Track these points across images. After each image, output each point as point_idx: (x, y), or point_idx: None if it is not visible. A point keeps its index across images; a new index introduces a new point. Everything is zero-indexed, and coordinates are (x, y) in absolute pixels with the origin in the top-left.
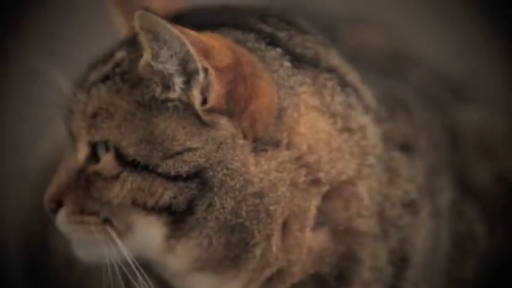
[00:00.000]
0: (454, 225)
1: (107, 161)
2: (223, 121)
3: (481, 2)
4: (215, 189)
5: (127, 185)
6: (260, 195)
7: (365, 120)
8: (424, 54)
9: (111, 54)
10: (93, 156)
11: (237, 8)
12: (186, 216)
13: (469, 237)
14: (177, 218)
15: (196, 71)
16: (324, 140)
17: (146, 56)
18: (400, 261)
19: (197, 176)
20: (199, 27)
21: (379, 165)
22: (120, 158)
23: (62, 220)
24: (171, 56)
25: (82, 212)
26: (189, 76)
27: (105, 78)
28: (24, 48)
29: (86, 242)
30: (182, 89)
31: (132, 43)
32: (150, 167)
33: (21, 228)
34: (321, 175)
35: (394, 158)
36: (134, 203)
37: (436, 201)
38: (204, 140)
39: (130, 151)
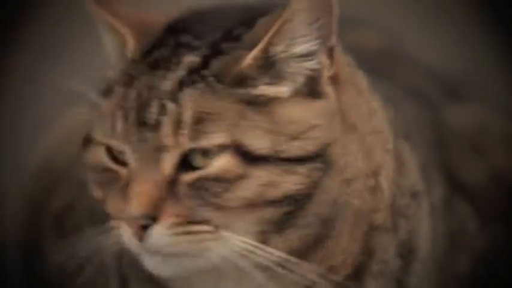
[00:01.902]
0: (447, 221)
1: (226, 162)
2: (332, 94)
3: (481, 2)
4: (332, 171)
5: (254, 182)
6: (348, 183)
7: (376, 104)
8: (422, 53)
9: (176, 61)
10: (184, 163)
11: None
12: (305, 203)
13: (462, 233)
14: (297, 205)
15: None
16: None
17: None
18: (407, 254)
19: (320, 155)
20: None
21: (393, 153)
22: (244, 156)
23: (161, 234)
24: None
25: (189, 222)
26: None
27: (193, 82)
28: (24, 49)
29: (183, 254)
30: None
31: (208, 45)
32: (276, 156)
33: (18, 235)
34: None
35: (399, 145)
36: (256, 200)
37: (430, 196)
38: (322, 115)
39: (255, 146)
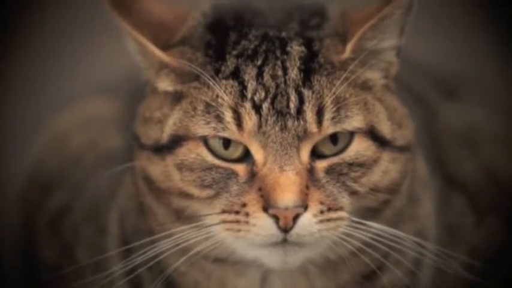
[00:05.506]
0: (444, 216)
1: (367, 146)
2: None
3: (481, 2)
4: (413, 162)
5: (381, 167)
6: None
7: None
8: (421, 53)
9: (282, 52)
10: (314, 151)
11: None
12: (396, 193)
13: (459, 227)
14: (392, 196)
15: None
16: None
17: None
18: (422, 239)
19: (410, 146)
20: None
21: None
22: (375, 140)
23: (310, 222)
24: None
25: (329, 209)
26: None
27: (316, 69)
28: (24, 49)
29: (321, 242)
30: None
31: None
32: (393, 142)
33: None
34: None
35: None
36: (380, 186)
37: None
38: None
39: (385, 131)
